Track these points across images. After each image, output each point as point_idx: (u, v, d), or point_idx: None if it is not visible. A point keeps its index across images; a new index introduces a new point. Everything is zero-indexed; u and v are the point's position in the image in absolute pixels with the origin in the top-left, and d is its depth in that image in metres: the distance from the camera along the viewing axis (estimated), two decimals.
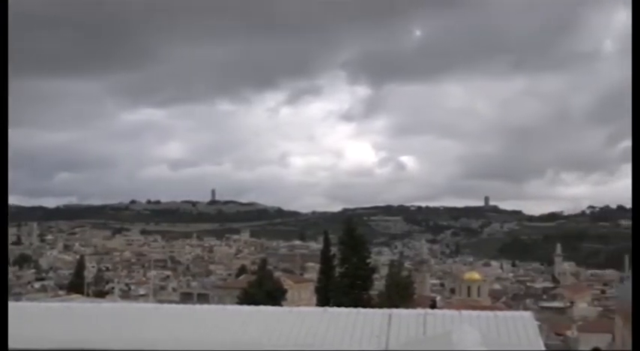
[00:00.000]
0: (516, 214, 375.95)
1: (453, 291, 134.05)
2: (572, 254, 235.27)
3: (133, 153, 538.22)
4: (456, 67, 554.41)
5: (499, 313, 16.56)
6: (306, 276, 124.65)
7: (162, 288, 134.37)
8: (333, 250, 72.26)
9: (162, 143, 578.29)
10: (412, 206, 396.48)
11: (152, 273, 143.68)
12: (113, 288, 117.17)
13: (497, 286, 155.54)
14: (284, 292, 74.31)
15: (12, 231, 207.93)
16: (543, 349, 14.82)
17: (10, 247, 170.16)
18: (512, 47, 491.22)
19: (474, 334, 13.32)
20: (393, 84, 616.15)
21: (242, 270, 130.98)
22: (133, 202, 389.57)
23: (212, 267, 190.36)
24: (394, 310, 16.78)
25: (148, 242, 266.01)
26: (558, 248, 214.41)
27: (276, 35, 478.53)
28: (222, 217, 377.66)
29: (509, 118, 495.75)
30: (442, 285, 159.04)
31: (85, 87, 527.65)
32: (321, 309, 19.49)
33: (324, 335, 15.34)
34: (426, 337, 14.82)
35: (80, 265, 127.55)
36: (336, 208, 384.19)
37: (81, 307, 22.21)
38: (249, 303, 45.95)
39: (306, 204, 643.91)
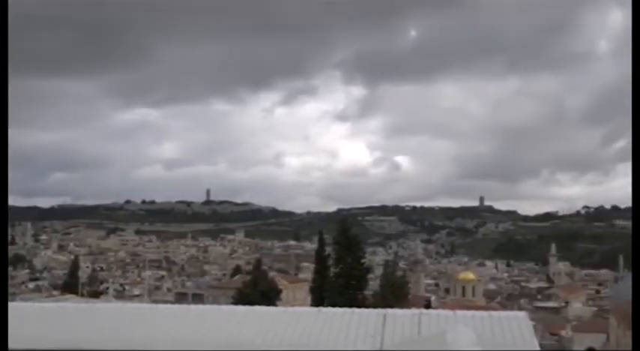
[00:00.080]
0: (511, 214, 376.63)
1: (447, 291, 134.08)
2: (567, 254, 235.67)
3: (128, 153, 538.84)
4: (451, 68, 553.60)
5: (494, 313, 16.56)
6: (301, 276, 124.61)
7: (157, 288, 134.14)
8: (328, 250, 72.32)
9: (157, 143, 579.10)
10: (407, 206, 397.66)
11: (147, 273, 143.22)
12: (107, 288, 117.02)
13: (491, 286, 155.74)
14: (279, 292, 74.17)
15: None
16: (538, 349, 14.83)
17: None
18: (506, 47, 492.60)
19: (469, 334, 13.31)
20: (387, 84, 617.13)
21: (237, 270, 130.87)
22: (127, 202, 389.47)
23: (207, 267, 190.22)
24: (389, 310, 16.77)
25: (142, 242, 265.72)
26: (553, 248, 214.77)
27: (271, 35, 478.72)
28: (217, 217, 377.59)
29: (504, 119, 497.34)
30: (437, 285, 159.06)
31: (79, 87, 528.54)
32: (315, 309, 19.47)
33: (319, 335, 15.33)
34: (420, 337, 14.81)
35: (74, 266, 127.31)
36: (331, 208, 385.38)
37: (79, 307, 22.16)
38: (243, 303, 45.93)
39: (301, 204, 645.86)
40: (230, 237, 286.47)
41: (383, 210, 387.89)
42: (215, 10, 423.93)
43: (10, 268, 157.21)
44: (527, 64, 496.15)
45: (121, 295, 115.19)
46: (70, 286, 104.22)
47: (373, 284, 76.78)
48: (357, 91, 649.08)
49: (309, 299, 74.61)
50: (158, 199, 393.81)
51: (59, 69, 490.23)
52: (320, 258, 72.92)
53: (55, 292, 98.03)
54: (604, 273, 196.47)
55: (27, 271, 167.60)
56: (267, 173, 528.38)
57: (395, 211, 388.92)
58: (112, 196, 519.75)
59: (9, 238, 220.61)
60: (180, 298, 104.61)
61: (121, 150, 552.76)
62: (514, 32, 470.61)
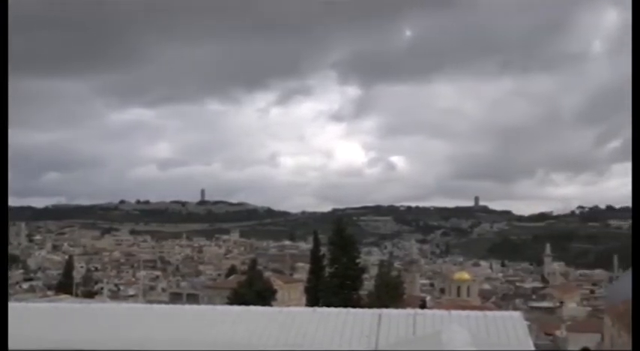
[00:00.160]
0: (506, 214, 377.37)
1: (442, 291, 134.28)
2: (562, 254, 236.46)
3: (123, 153, 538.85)
4: (446, 68, 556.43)
5: (488, 313, 16.53)
6: (296, 276, 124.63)
7: (152, 288, 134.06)
8: (323, 250, 72.28)
9: (152, 143, 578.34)
10: (402, 206, 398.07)
11: (141, 273, 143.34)
12: (102, 288, 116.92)
13: (486, 286, 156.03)
14: (274, 292, 74.17)
15: None
16: (533, 349, 14.82)
17: None
18: (501, 48, 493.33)
19: (464, 334, 13.30)
20: (383, 84, 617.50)
21: (232, 270, 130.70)
22: (122, 202, 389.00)
23: (202, 267, 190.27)
24: (384, 310, 16.73)
25: (137, 242, 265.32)
26: (548, 248, 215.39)
27: (267, 35, 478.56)
28: (212, 217, 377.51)
29: (498, 119, 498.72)
30: (432, 285, 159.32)
31: (74, 87, 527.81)
32: (310, 309, 19.44)
33: (314, 335, 15.30)
34: (415, 337, 14.79)
35: (69, 266, 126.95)
36: (326, 208, 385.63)
37: (78, 307, 22.11)
38: (238, 303, 45.95)
39: (296, 204, 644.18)
40: (225, 237, 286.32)
41: (378, 210, 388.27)
42: (210, 10, 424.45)
43: None
44: (522, 64, 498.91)
45: (115, 296, 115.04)
46: (64, 286, 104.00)
47: (368, 284, 76.83)
48: (353, 91, 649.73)
49: (304, 299, 74.65)
50: (153, 199, 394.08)
51: (53, 69, 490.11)
52: (315, 258, 72.94)
53: (49, 293, 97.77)
54: (598, 273, 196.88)
55: (21, 271, 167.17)
56: (263, 173, 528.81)
57: (390, 211, 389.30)
58: (106, 196, 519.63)
59: None
60: (175, 298, 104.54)
61: (116, 150, 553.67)
62: (509, 32, 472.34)
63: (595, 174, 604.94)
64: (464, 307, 47.98)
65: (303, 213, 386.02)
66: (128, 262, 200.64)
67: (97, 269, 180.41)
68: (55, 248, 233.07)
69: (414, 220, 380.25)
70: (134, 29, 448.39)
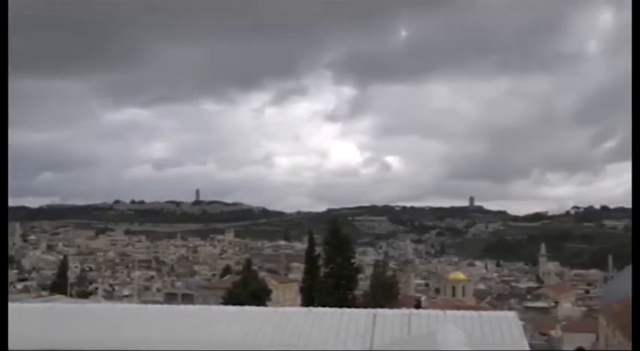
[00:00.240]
0: (501, 215, 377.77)
1: (437, 291, 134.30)
2: (557, 254, 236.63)
3: (117, 153, 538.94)
4: (442, 68, 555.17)
5: (483, 313, 16.57)
6: (291, 276, 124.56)
7: (147, 288, 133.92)
8: (318, 250, 72.22)
9: (147, 143, 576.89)
10: (397, 206, 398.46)
11: (136, 273, 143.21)
12: (97, 288, 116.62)
13: (481, 286, 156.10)
14: (269, 292, 74.13)
15: None
16: (527, 349, 14.83)
17: None
18: (497, 48, 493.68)
19: (459, 334, 13.32)
20: (378, 84, 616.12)
21: (226, 270, 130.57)
22: (116, 202, 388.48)
23: (196, 267, 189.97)
24: (379, 310, 16.75)
25: (132, 242, 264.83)
26: (543, 248, 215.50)
27: (262, 35, 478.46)
28: (207, 217, 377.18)
29: (494, 119, 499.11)
30: (427, 285, 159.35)
31: (69, 87, 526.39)
32: (305, 309, 19.44)
33: (309, 335, 15.30)
34: (410, 337, 14.80)
35: (63, 266, 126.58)
36: (321, 208, 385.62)
37: (77, 308, 22.08)
38: (233, 303, 45.85)
39: (291, 204, 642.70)
40: (220, 237, 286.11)
41: (373, 210, 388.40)
42: (205, 10, 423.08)
43: None
44: (518, 64, 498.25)
45: (110, 296, 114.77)
46: (58, 286, 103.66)
47: (363, 284, 76.73)
48: (348, 91, 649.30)
49: (299, 299, 74.55)
50: (147, 199, 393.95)
51: (48, 69, 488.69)
52: (310, 258, 72.86)
53: (43, 293, 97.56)
54: (593, 273, 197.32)
55: (15, 271, 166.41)
56: (258, 173, 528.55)
57: (385, 211, 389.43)
58: (101, 196, 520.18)
59: None
60: (170, 298, 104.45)
61: (111, 150, 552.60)
62: (504, 32, 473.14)
63: (590, 174, 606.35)
64: (459, 307, 48.01)
65: (298, 213, 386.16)
66: (123, 262, 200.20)
67: (91, 269, 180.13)
68: (50, 248, 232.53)
69: (409, 220, 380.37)
70: (129, 29, 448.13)
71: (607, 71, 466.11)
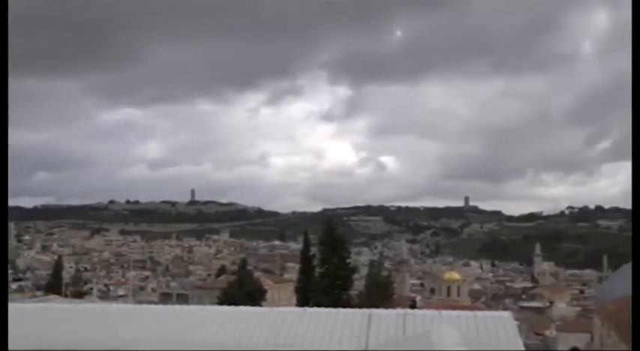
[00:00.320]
0: (496, 215, 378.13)
1: (432, 291, 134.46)
2: (552, 254, 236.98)
3: (112, 153, 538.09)
4: (437, 68, 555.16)
5: (478, 313, 16.56)
6: (286, 276, 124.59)
7: (142, 288, 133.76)
8: (313, 250, 72.34)
9: (142, 143, 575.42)
10: (392, 206, 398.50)
11: (131, 273, 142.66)
12: (92, 288, 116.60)
13: (476, 286, 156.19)
14: (264, 292, 74.16)
15: None
16: (522, 348, 14.85)
17: None
18: (492, 48, 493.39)
19: (454, 334, 13.32)
20: (373, 84, 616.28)
21: (222, 270, 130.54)
22: (111, 202, 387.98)
23: (191, 267, 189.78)
24: (374, 310, 16.74)
25: (126, 242, 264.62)
26: (537, 248, 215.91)
27: (257, 35, 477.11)
28: (202, 217, 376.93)
29: (489, 119, 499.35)
30: (422, 285, 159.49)
31: (63, 86, 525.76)
32: (300, 309, 19.45)
33: (304, 335, 15.30)
34: (405, 337, 14.80)
35: (58, 266, 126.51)
36: (316, 208, 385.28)
37: (69, 308, 22.06)
38: (228, 303, 45.91)
39: (286, 204, 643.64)
40: (215, 237, 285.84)
41: (368, 210, 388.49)
42: (200, 10, 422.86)
43: None
44: (513, 64, 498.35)
45: (105, 296, 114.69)
46: (53, 286, 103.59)
47: (358, 284, 76.88)
48: (343, 91, 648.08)
49: (294, 299, 74.67)
50: (142, 199, 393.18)
51: (43, 68, 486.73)
52: (305, 258, 72.97)
53: (38, 293, 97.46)
54: (588, 273, 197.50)
55: (10, 271, 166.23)
56: (253, 173, 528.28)
57: (380, 211, 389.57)
58: (96, 196, 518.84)
59: None
60: (165, 298, 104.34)
61: (106, 150, 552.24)
62: (500, 33, 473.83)
63: (585, 174, 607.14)
64: (454, 307, 48.08)
65: (294, 213, 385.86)
66: (118, 262, 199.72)
67: (86, 269, 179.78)
68: (45, 248, 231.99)
69: (404, 220, 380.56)
70: (124, 30, 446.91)
71: (602, 71, 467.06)
